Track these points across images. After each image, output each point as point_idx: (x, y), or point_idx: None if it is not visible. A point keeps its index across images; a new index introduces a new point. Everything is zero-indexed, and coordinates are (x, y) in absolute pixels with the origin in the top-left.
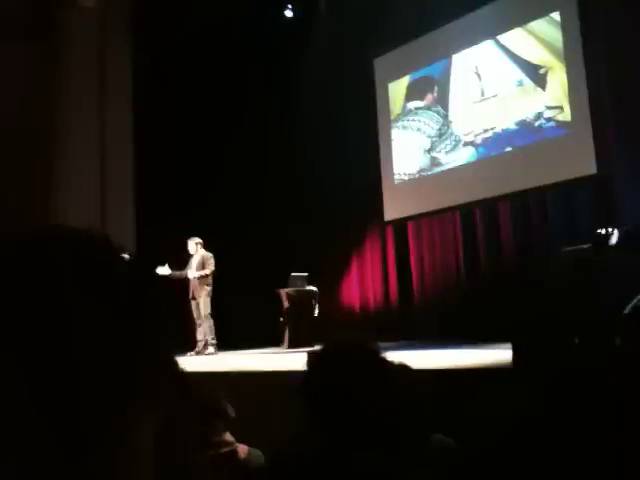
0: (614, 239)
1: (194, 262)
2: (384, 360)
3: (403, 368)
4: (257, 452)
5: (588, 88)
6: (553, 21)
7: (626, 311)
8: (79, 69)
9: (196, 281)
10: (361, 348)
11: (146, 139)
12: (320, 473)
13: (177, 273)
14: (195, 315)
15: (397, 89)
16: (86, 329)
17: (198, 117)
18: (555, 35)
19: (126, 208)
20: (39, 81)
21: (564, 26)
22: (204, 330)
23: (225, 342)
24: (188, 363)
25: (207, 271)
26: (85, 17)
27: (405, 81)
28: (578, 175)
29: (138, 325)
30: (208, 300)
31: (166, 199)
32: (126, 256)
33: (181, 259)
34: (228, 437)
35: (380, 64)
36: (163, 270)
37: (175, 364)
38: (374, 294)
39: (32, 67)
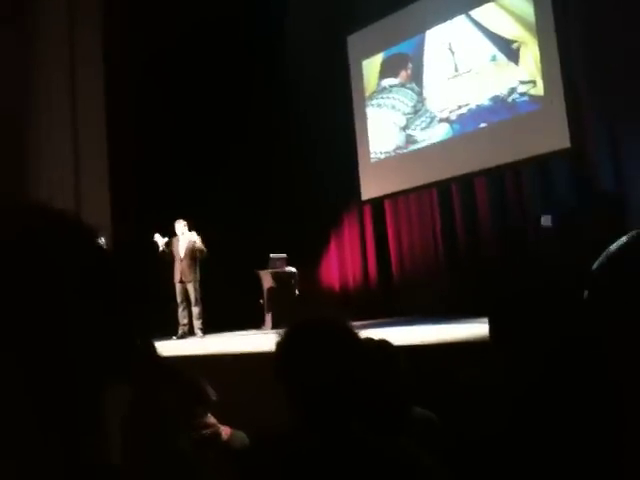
0: (546, 221)
1: (182, 245)
2: (355, 335)
3: (383, 343)
4: (240, 434)
5: (560, 62)
6: None
7: (593, 267)
8: (50, 67)
9: (185, 264)
10: (330, 324)
11: (120, 129)
12: (302, 452)
13: (168, 249)
14: (179, 299)
15: (371, 67)
16: (62, 311)
17: (171, 98)
18: (527, 9)
19: (102, 198)
20: (9, 72)
21: (536, 0)
22: (194, 314)
23: (206, 325)
24: (171, 347)
25: (201, 247)
26: (54, 12)
27: (379, 58)
28: (553, 149)
29: (111, 309)
30: (197, 284)
31: (139, 184)
32: (101, 241)
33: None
34: (210, 419)
35: (353, 42)
36: (160, 239)
37: (152, 348)
38: (353, 273)
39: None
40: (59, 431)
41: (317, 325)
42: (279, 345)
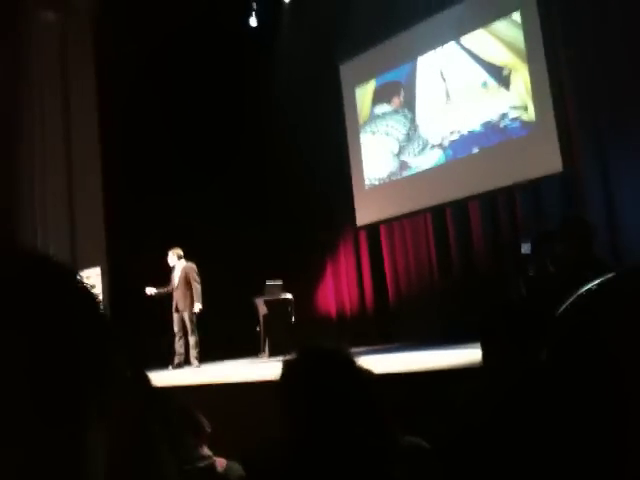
0: (526, 249)
1: (176, 274)
2: (355, 365)
3: (368, 373)
4: (236, 465)
5: (551, 87)
6: (514, 22)
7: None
8: (43, 83)
9: (180, 293)
10: (334, 354)
11: (114, 151)
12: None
13: (163, 290)
14: (176, 328)
15: (364, 94)
16: (52, 346)
17: (169, 127)
18: (517, 35)
19: (96, 224)
20: (3, 96)
21: (525, 26)
22: (190, 343)
23: (204, 354)
24: (167, 377)
25: (197, 289)
26: (47, 30)
27: (372, 85)
28: (545, 173)
29: (99, 346)
30: (193, 314)
31: (134, 210)
32: (88, 282)
33: (155, 270)
34: (205, 451)
35: (346, 69)
36: (150, 290)
37: (145, 378)
38: (350, 299)
39: None
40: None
41: (322, 357)
42: (284, 374)
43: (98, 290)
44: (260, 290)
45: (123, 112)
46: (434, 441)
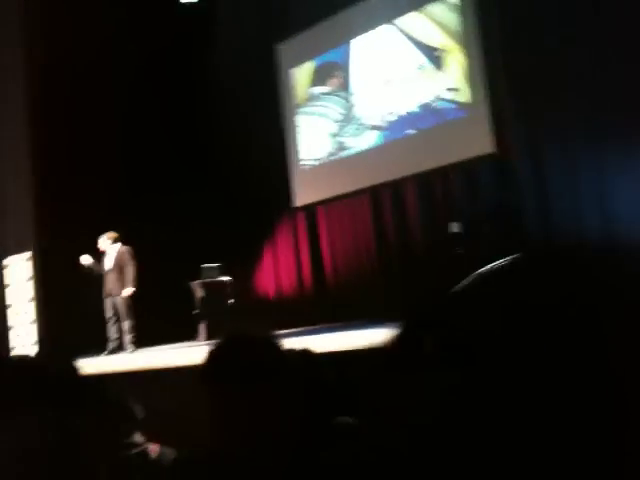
0: (454, 228)
1: (110, 257)
2: (280, 349)
3: (305, 354)
4: (170, 450)
5: (485, 69)
6: (450, 4)
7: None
8: None
9: (113, 277)
10: (256, 340)
11: (46, 132)
12: (228, 466)
13: (97, 267)
14: (109, 313)
15: (301, 75)
16: None
17: (104, 111)
18: (453, 18)
19: (25, 201)
20: None
21: (462, 9)
22: (124, 328)
23: (140, 339)
24: (100, 363)
25: (131, 273)
26: None
27: (309, 67)
28: (479, 154)
29: None
30: (127, 298)
31: (67, 193)
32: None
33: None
34: (138, 438)
35: (283, 50)
36: (85, 259)
37: (71, 366)
38: (288, 280)
39: None
40: None
41: (245, 342)
42: (206, 359)
43: (26, 274)
44: (197, 274)
45: (54, 99)
46: (366, 421)
